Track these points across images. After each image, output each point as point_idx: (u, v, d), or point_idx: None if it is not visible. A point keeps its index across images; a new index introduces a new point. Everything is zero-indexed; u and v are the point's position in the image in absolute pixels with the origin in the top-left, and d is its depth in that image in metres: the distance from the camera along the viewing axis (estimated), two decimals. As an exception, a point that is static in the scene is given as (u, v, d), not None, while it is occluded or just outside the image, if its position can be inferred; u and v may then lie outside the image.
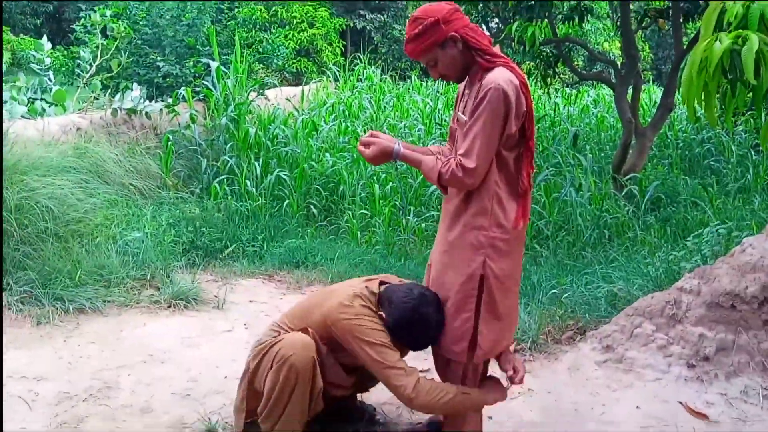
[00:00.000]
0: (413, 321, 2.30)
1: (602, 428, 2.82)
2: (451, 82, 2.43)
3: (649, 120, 7.36)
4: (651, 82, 15.60)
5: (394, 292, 2.37)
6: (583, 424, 2.86)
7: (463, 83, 2.40)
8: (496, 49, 2.26)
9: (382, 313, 2.37)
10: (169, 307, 3.91)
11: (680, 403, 2.96)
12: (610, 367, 3.26)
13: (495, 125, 2.14)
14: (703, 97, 2.88)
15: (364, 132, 7.94)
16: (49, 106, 5.86)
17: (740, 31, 2.72)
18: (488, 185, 2.23)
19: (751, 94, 2.97)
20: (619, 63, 8.00)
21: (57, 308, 3.66)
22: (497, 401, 2.49)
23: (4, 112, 5.06)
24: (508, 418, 2.87)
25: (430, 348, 2.52)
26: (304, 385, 2.28)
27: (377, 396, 2.99)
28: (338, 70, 11.83)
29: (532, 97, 2.26)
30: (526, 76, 2.24)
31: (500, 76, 2.15)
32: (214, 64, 6.85)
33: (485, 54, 2.21)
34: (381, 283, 2.49)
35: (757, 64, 2.64)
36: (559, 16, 7.42)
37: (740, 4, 2.80)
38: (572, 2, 7.22)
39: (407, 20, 2.30)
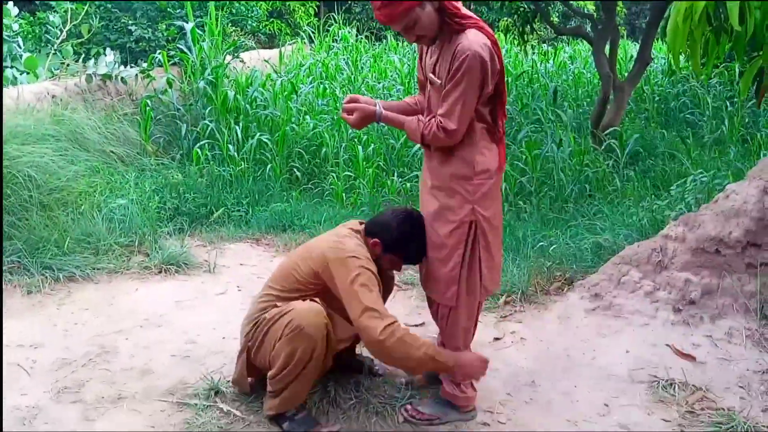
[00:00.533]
0: (411, 230, 2.47)
1: (594, 372, 2.91)
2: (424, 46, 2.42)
3: (626, 74, 7.41)
4: (625, 37, 15.60)
5: (383, 217, 2.53)
6: (575, 368, 2.95)
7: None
8: (463, 9, 2.27)
9: (376, 239, 2.46)
10: (160, 272, 3.90)
11: (668, 345, 3.06)
12: (599, 315, 3.36)
13: (474, 89, 2.24)
14: (688, 45, 2.92)
15: (344, 94, 7.90)
16: (21, 74, 5.69)
17: (725, -23, 2.74)
18: (470, 138, 2.34)
19: (731, 43, 3.03)
20: (595, 17, 8.00)
21: (46, 277, 3.63)
22: (467, 378, 2.49)
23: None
24: (503, 365, 2.95)
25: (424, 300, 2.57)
26: (320, 352, 2.32)
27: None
28: (312, 32, 11.64)
29: (501, 53, 2.32)
30: (494, 33, 2.29)
31: (474, 41, 2.19)
32: (188, 26, 6.68)
33: (455, 17, 2.24)
34: (352, 223, 2.59)
35: (742, 11, 2.68)
36: (537, -29, 7.38)
37: (725, -46, 2.82)
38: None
39: None
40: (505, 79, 2.39)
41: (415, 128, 2.37)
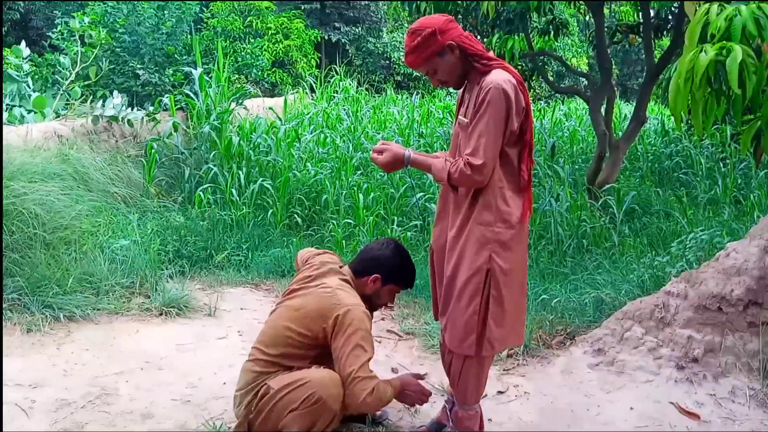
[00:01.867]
0: (404, 257, 2.62)
1: (598, 428, 2.89)
2: (450, 89, 2.54)
3: (620, 133, 7.58)
4: (618, 97, 16.03)
5: (371, 253, 2.61)
6: (579, 424, 2.93)
7: (462, 89, 2.50)
8: (490, 53, 2.36)
9: (376, 275, 2.52)
10: (161, 314, 3.88)
11: (672, 403, 3.05)
12: (602, 370, 3.35)
13: (498, 122, 2.26)
14: (689, 106, 3.02)
15: (344, 143, 8.03)
16: (28, 113, 5.76)
17: (724, 42, 2.87)
18: (492, 182, 2.34)
19: (728, 105, 3.13)
20: (592, 77, 8.23)
21: (47, 316, 3.60)
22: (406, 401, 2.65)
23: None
24: (507, 419, 2.93)
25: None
26: (337, 422, 2.33)
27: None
28: (314, 82, 11.87)
29: (528, 94, 2.36)
30: (523, 77, 2.36)
31: (499, 77, 2.27)
32: (197, 72, 6.82)
33: (481, 59, 2.34)
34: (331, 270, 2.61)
35: (741, 74, 2.78)
36: (536, 30, 7.62)
37: (723, 17, 2.95)
38: (548, 17, 7.43)
39: (405, 33, 2.42)
40: (532, 122, 2.40)
41: (442, 167, 2.35)
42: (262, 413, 2.34)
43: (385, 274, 2.52)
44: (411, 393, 2.59)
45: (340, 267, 2.61)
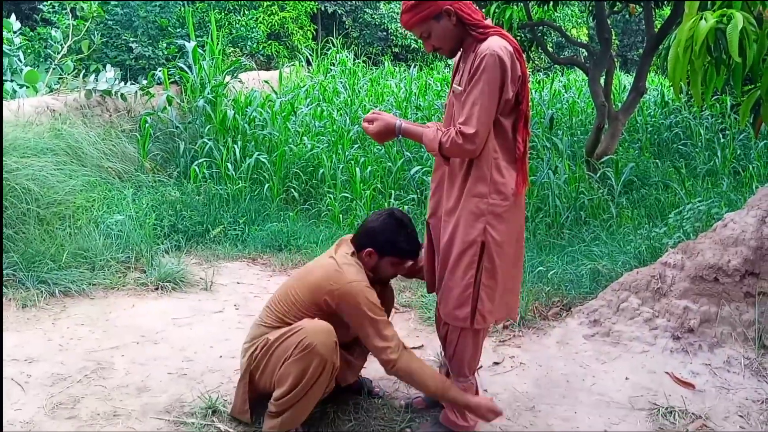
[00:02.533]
0: (397, 226, 2.45)
1: (594, 398, 2.90)
2: (448, 59, 2.47)
3: (620, 104, 7.52)
4: (618, 68, 15.87)
5: (366, 225, 2.51)
6: (575, 394, 2.93)
7: (457, 57, 2.43)
8: (488, 21, 2.30)
9: (369, 249, 2.45)
10: (157, 289, 3.87)
11: (667, 373, 3.06)
12: (597, 341, 3.36)
13: (492, 90, 2.18)
14: (689, 75, 2.98)
15: (341, 117, 7.96)
16: (20, 87, 5.69)
17: (725, 9, 2.81)
18: (486, 153, 2.28)
19: (728, 75, 3.09)
20: (591, 47, 8.13)
21: (42, 291, 3.59)
22: (473, 412, 2.45)
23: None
24: (503, 390, 2.93)
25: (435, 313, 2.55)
26: (329, 371, 2.30)
27: (373, 372, 3.03)
28: (310, 54, 11.75)
29: (524, 62, 2.30)
30: (522, 47, 2.29)
31: (495, 44, 2.19)
32: (190, 45, 6.73)
33: (478, 27, 2.26)
34: (345, 242, 2.57)
35: (741, 42, 2.73)
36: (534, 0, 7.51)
37: (724, -16, 2.89)
38: (547, -14, 7.30)
39: None
40: (529, 92, 2.34)
41: (433, 137, 2.29)
42: (261, 364, 2.37)
43: (379, 247, 2.44)
44: (481, 410, 2.43)
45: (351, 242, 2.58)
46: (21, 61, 6.18)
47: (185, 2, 7.95)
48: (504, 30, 2.30)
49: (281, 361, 2.29)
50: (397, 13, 15.88)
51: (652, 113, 9.14)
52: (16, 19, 6.69)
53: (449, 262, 2.39)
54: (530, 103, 2.35)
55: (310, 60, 11.55)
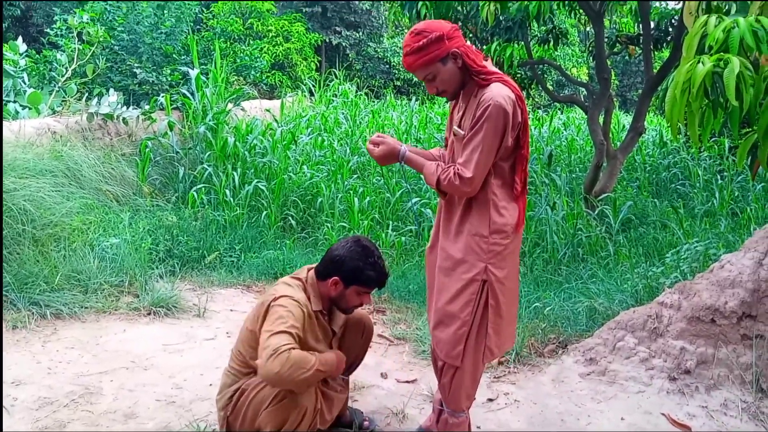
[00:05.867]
0: (364, 254, 2.37)
1: (588, 438, 2.86)
2: (446, 99, 2.47)
3: (618, 143, 7.57)
4: (617, 107, 16.04)
5: (331, 254, 2.41)
6: (569, 434, 2.89)
7: (457, 98, 2.45)
8: (488, 63, 2.32)
9: (335, 277, 2.36)
10: (149, 314, 3.84)
11: (663, 414, 3.01)
12: (593, 380, 3.31)
13: (494, 139, 2.23)
14: (686, 116, 3.01)
15: (341, 147, 8.01)
16: (23, 109, 5.72)
17: (722, 54, 2.85)
18: (486, 194, 2.32)
19: (725, 118, 3.11)
20: (591, 87, 8.22)
21: (33, 313, 3.56)
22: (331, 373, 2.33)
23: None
24: (497, 427, 2.89)
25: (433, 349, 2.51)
26: (311, 415, 2.26)
27: (365, 404, 2.98)
28: (313, 85, 11.86)
29: (526, 107, 2.32)
30: (519, 89, 2.31)
31: (498, 93, 2.22)
32: (193, 72, 6.80)
33: (481, 73, 2.28)
34: (303, 270, 2.50)
35: (738, 86, 2.76)
36: (535, 39, 7.62)
37: (721, 29, 2.93)
38: (548, 26, 7.42)
39: (407, 34, 2.33)
40: (529, 136, 2.37)
41: (433, 172, 2.33)
42: (240, 413, 2.31)
43: (345, 275, 2.36)
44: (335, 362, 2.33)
45: (308, 269, 2.50)
46: (25, 83, 6.22)
47: (191, 30, 8.05)
48: (504, 75, 2.32)
49: (259, 411, 2.23)
50: (400, 48, 16.10)
51: (650, 153, 9.19)
52: (23, 41, 6.76)
53: (446, 299, 2.38)
54: (529, 146, 2.37)
55: (313, 90, 11.66)
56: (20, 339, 3.33)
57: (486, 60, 2.35)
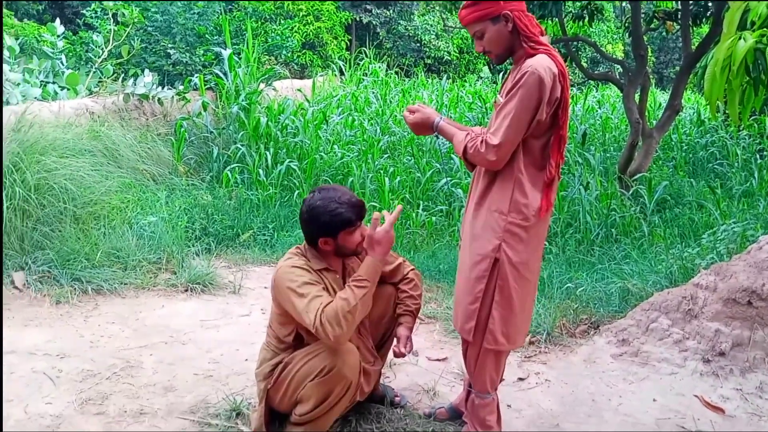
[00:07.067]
0: (325, 202, 2.30)
1: (620, 419, 2.86)
2: (492, 62, 2.44)
3: (654, 122, 7.42)
4: (653, 85, 15.68)
5: (301, 219, 2.41)
6: (600, 414, 2.89)
7: (511, 70, 2.43)
8: (545, 39, 2.28)
9: (321, 238, 2.34)
10: (186, 290, 3.94)
11: (696, 396, 3.00)
12: (626, 360, 3.30)
13: (526, 108, 2.16)
14: (726, 95, 2.94)
15: (372, 126, 8.01)
16: (62, 90, 5.85)
17: (765, 30, 2.76)
18: (510, 170, 2.26)
19: (767, 94, 3.03)
20: (627, 64, 8.05)
21: (75, 288, 3.68)
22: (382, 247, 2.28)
23: (18, 93, 5.06)
24: (527, 406, 2.91)
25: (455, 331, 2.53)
26: (353, 390, 2.30)
27: (397, 381, 3.03)
28: (343, 64, 11.84)
29: (569, 88, 2.28)
30: (566, 66, 2.26)
31: (540, 63, 2.16)
32: (226, 53, 6.85)
33: (530, 41, 2.24)
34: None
35: (781, 62, 2.69)
36: (570, 15, 7.47)
37: (764, 4, 2.85)
38: (583, 2, 7.27)
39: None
40: (568, 116, 2.29)
41: (461, 141, 2.29)
42: (282, 386, 2.35)
43: (325, 232, 2.32)
44: (382, 242, 2.27)
45: None
46: (63, 64, 6.35)
47: (223, 11, 8.09)
48: (554, 49, 2.25)
49: (303, 382, 2.27)
50: (431, 26, 15.93)
51: (687, 131, 8.99)
52: (60, 23, 6.89)
53: (462, 273, 2.40)
54: (567, 127, 2.31)
55: (344, 70, 11.64)
56: (63, 314, 3.45)
57: (543, 35, 2.30)
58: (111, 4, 6.86)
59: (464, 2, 2.29)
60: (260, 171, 5.99)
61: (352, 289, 2.18)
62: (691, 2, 6.79)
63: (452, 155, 6.72)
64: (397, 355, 2.53)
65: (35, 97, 5.26)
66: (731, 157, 7.66)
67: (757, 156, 7.44)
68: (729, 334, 3.17)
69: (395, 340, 2.61)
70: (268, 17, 10.37)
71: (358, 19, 15.44)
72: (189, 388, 2.85)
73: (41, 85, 5.76)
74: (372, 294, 2.24)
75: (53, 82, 5.97)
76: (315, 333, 2.13)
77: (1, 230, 3.69)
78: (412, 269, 2.71)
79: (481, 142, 2.21)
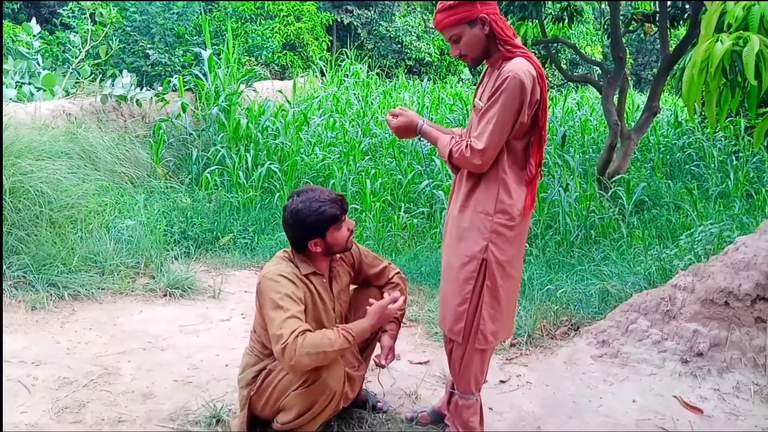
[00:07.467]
0: (307, 203, 2.30)
1: (600, 420, 2.88)
2: (461, 75, 2.46)
3: (633, 123, 7.50)
4: (631, 87, 15.86)
5: (285, 226, 2.39)
6: (581, 415, 2.91)
7: (483, 72, 2.44)
8: (518, 40, 2.30)
9: (312, 241, 2.33)
10: (165, 295, 3.89)
11: (675, 397, 3.03)
12: (605, 362, 3.33)
13: (509, 112, 2.19)
14: (703, 97, 2.98)
15: (353, 128, 8.00)
16: (38, 91, 5.76)
17: (741, 32, 2.80)
18: (495, 172, 2.29)
19: (743, 97, 3.08)
20: (606, 66, 8.12)
21: (51, 294, 3.62)
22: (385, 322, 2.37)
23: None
24: (509, 409, 2.91)
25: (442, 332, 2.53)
26: (337, 399, 2.29)
27: (379, 386, 3.02)
28: (324, 65, 11.81)
29: (547, 89, 2.30)
30: (542, 68, 2.28)
31: (519, 66, 2.19)
32: (206, 53, 6.80)
33: (507, 44, 2.26)
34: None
35: (757, 65, 2.72)
36: (550, 17, 7.53)
37: (741, 6, 2.88)
38: (563, 3, 7.32)
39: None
40: (547, 119, 2.33)
41: (446, 145, 2.31)
42: (265, 393, 2.33)
43: (313, 233, 2.31)
44: (381, 315, 2.32)
45: None
46: (39, 65, 6.26)
47: (203, 11, 8.03)
48: (529, 51, 2.28)
49: (287, 391, 2.26)
50: (412, 27, 15.95)
51: (665, 133, 9.11)
52: (36, 22, 6.78)
53: (449, 275, 2.40)
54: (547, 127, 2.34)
55: (324, 71, 11.61)
56: (39, 320, 3.39)
57: (516, 37, 2.32)
58: (89, 3, 6.77)
59: (438, 7, 2.29)
60: (240, 173, 5.95)
61: (339, 334, 2.18)
62: (668, 4, 6.88)
63: (434, 157, 6.73)
64: (378, 365, 2.52)
65: (10, 99, 5.18)
66: (708, 158, 7.77)
67: (733, 157, 7.56)
68: (707, 335, 3.21)
69: (378, 347, 2.60)
70: (248, 17, 10.33)
71: (339, 19, 15.42)
72: (168, 394, 2.81)
73: (17, 86, 5.66)
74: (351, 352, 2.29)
75: (29, 83, 5.87)
76: (277, 349, 2.10)
77: (1, 230, 3.62)
78: (398, 273, 2.70)
79: (466, 146, 2.24)
